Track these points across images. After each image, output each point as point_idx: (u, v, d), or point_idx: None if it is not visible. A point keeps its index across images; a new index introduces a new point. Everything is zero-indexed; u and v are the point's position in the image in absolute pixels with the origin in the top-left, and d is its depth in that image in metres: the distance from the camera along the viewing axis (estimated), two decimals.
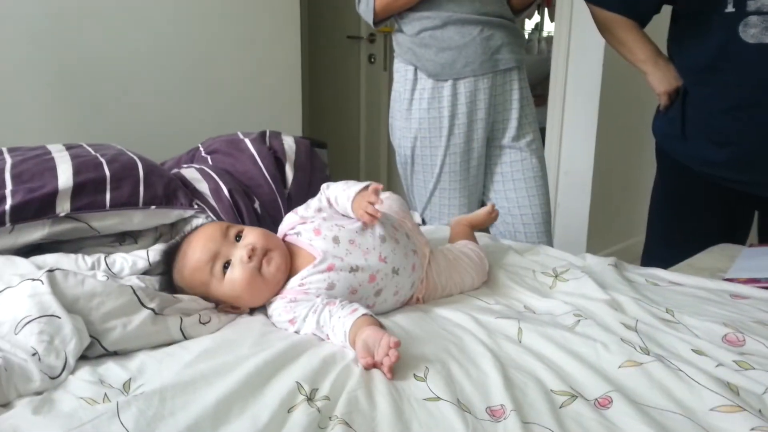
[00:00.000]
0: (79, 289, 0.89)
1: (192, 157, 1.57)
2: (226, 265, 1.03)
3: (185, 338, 0.94)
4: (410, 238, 1.13)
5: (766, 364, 0.84)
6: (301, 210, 1.14)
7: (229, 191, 1.31)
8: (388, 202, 1.22)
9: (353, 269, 1.03)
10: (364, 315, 0.92)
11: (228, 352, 0.87)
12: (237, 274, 1.01)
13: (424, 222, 1.70)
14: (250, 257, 1.01)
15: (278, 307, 1.02)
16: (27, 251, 1.14)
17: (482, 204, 1.71)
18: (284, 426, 0.70)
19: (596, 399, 0.78)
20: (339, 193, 1.11)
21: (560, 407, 0.77)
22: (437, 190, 1.65)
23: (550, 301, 1.10)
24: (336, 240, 1.05)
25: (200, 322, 0.97)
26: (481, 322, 1.01)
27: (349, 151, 3.03)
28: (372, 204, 1.03)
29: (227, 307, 1.04)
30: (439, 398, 0.77)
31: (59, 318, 0.85)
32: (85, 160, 1.22)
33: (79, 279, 0.90)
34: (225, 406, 0.73)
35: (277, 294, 1.04)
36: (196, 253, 1.03)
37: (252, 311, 1.06)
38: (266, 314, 1.04)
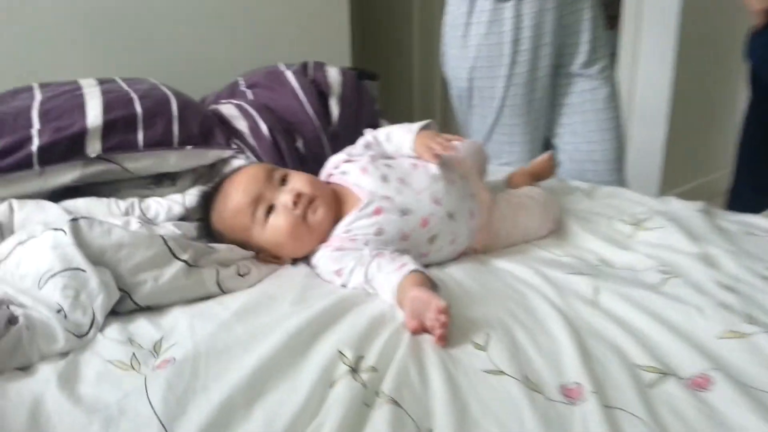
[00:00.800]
0: (105, 240, 0.81)
1: (232, 91, 1.46)
2: (270, 210, 0.94)
3: (222, 292, 0.86)
4: (467, 181, 1.01)
5: None
6: (347, 149, 1.04)
7: (269, 129, 1.20)
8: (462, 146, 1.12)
9: (403, 212, 0.92)
10: (413, 272, 0.82)
11: (267, 310, 0.79)
12: (281, 220, 0.93)
13: None
14: (295, 203, 0.92)
15: (323, 257, 0.93)
16: (61, 194, 1.07)
17: (546, 143, 1.55)
18: (324, 402, 0.62)
19: (692, 378, 0.66)
20: (394, 129, 1.03)
21: (649, 387, 0.65)
22: (497, 126, 1.49)
23: (630, 254, 0.97)
24: (384, 179, 0.95)
25: (238, 275, 0.89)
26: (549, 278, 0.89)
27: (401, 84, 2.86)
28: (442, 146, 0.94)
29: (268, 257, 0.96)
30: (502, 372, 0.67)
31: (84, 271, 0.78)
32: (115, 96, 1.13)
33: (105, 228, 0.83)
34: (261, 378, 0.64)
35: (322, 242, 0.95)
36: (238, 194, 0.95)
37: (295, 262, 0.97)
38: (309, 265, 0.95)
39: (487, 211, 1.01)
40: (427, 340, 0.72)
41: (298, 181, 0.96)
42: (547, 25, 1.40)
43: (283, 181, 0.97)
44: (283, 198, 0.94)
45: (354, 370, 0.65)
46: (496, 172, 1.45)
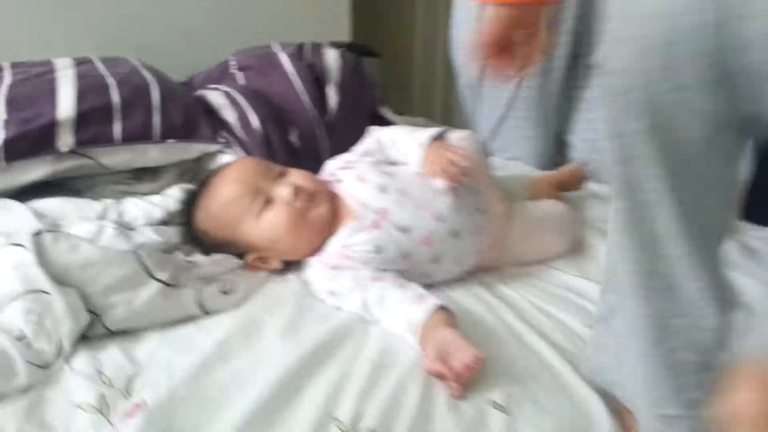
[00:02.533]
0: (72, 257, 0.73)
1: (222, 73, 1.35)
2: (266, 205, 0.86)
3: (204, 313, 0.78)
4: (479, 193, 0.92)
5: None
6: (345, 155, 0.96)
7: (261, 122, 1.10)
8: (462, 144, 1.01)
9: (402, 229, 0.84)
10: (441, 310, 0.74)
11: (253, 342, 0.71)
12: (279, 213, 0.85)
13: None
14: (296, 196, 0.85)
15: (318, 275, 0.84)
16: (34, 189, 0.98)
17: (558, 138, 1.46)
18: None
19: None
20: (400, 136, 0.95)
21: None
22: (507, 119, 1.39)
23: None
24: (383, 189, 0.87)
25: (222, 292, 0.80)
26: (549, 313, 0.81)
27: (401, 65, 2.69)
28: (456, 165, 0.85)
29: (256, 261, 0.87)
30: None
31: (48, 294, 0.69)
32: (90, 82, 1.03)
33: (72, 243, 0.74)
34: None
35: (315, 252, 0.87)
36: (231, 185, 0.88)
37: (284, 268, 0.89)
38: (300, 277, 0.87)
39: (499, 227, 0.92)
40: (441, 393, 0.65)
41: (298, 176, 0.90)
42: (567, 11, 1.29)
43: (281, 176, 0.89)
44: (283, 191, 0.86)
45: None
46: (505, 166, 1.36)
